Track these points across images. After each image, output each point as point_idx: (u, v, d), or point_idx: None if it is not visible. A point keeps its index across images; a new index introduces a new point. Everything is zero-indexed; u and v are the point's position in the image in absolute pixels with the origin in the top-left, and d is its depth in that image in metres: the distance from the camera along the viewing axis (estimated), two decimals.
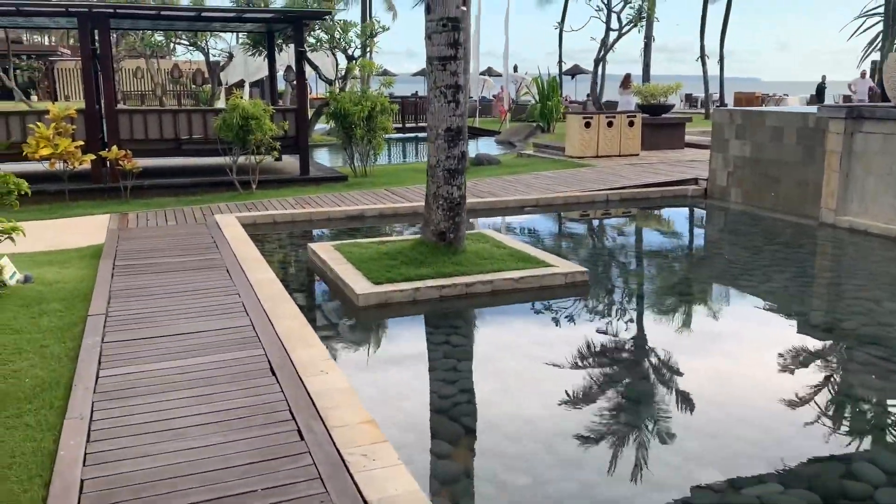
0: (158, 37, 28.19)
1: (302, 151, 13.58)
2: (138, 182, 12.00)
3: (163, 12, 12.36)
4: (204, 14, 12.77)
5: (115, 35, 37.10)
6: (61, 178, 11.38)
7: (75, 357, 4.83)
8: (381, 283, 6.40)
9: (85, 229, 9.84)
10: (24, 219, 10.66)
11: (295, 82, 28.09)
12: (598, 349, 5.67)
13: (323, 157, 20.48)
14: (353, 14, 51.05)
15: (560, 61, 34.35)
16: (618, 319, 6.45)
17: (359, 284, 6.41)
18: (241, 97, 12.16)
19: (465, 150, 7.13)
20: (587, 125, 16.18)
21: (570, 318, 6.41)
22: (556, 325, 6.23)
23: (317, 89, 42.94)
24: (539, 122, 23.09)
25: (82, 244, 8.89)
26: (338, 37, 18.25)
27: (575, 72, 42.11)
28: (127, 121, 12.60)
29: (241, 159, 12.52)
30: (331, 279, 7.02)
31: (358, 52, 20.41)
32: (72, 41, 47.84)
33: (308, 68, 27.05)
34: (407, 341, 6.03)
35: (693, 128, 20.67)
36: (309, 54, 19.90)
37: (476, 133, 28.44)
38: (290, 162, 14.91)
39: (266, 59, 21.60)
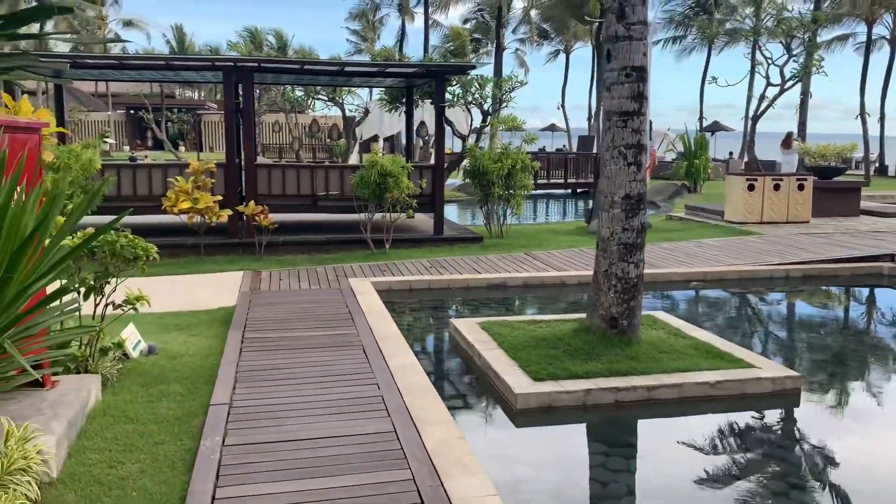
0: (298, 92, 29.06)
1: (437, 210, 12.87)
2: (273, 238, 11.65)
3: (306, 66, 12.16)
4: (347, 69, 12.49)
5: (257, 90, 39.08)
6: (198, 231, 11.18)
7: (191, 465, 4.04)
8: (542, 380, 5.32)
9: (217, 287, 9.43)
10: (159, 273, 10.46)
11: (426, 138, 27.95)
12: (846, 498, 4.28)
13: (451, 214, 19.82)
14: (485, 70, 51.40)
15: (700, 117, 32.58)
16: (863, 453, 5.00)
17: (515, 379, 5.35)
18: (379, 153, 11.64)
19: (645, 221, 6.00)
20: (751, 188, 14.57)
21: (793, 444, 5.03)
22: (780, 457, 4.86)
23: (450, 144, 43.14)
24: (685, 182, 21.51)
25: (213, 305, 8.41)
26: (474, 91, 17.74)
27: (714, 128, 40.00)
28: (265, 176, 12.37)
29: (377, 216, 11.95)
30: (480, 368, 6.01)
31: (493, 108, 19.89)
32: (218, 96, 50.80)
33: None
34: (582, 466, 4.78)
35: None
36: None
37: None
38: (423, 220, 14.25)
39: (401, 115, 21.59)
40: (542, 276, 9.56)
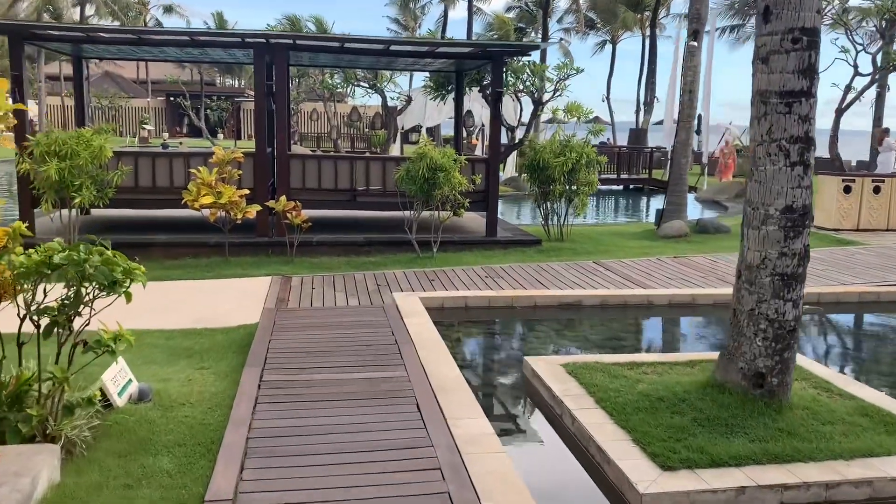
0: (337, 79, 27.73)
1: (491, 209, 11.35)
2: (306, 237, 10.26)
3: (346, 44, 10.71)
4: (393, 48, 11.02)
5: (294, 77, 37.93)
6: (222, 229, 9.83)
7: None
8: (672, 469, 3.77)
9: (241, 297, 8.07)
10: (178, 276, 9.12)
11: (470, 129, 26.27)
12: None
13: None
14: (529, 59, 49.52)
15: None
16: None
17: (634, 469, 3.81)
18: (429, 144, 10.16)
19: (807, 243, 4.42)
20: (847, 190, 12.76)
21: None
22: None
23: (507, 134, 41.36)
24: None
25: (232, 321, 7.04)
26: (525, 78, 16.14)
27: None
28: (299, 167, 10.97)
29: (423, 215, 10.48)
30: (574, 436, 4.47)
31: (547, 96, 18.28)
32: None
33: (485, 112, 25.29)
34: None
35: None
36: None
37: (653, 186, 25.32)
38: (473, 219, 12.73)
39: (445, 103, 20.06)
40: (625, 294, 7.97)
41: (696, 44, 12.45)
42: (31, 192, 9.43)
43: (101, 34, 9.81)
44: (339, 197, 11.17)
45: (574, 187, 11.59)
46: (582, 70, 17.68)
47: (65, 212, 9.26)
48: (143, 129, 52.64)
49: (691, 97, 12.58)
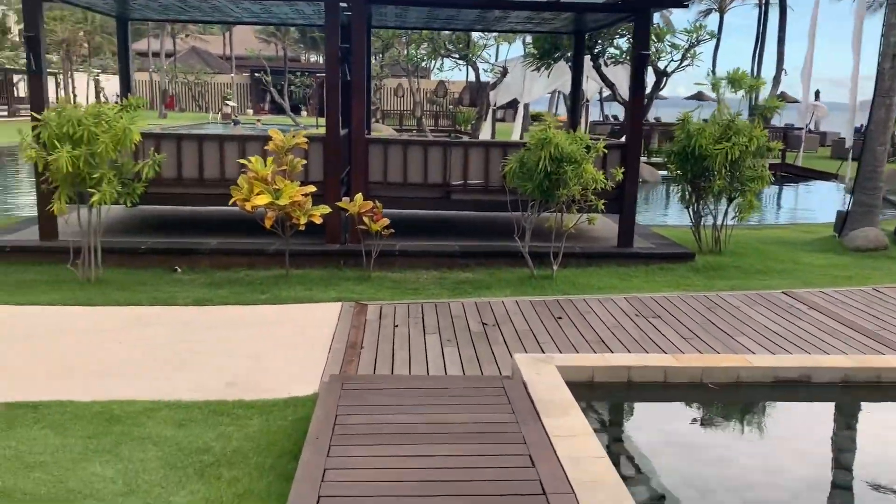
0: (423, 51, 25.32)
1: (626, 211, 8.70)
2: (388, 244, 7.93)
3: None
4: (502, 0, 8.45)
5: (378, 54, 35.62)
6: (281, 234, 7.59)
7: None
8: None
9: (298, 336, 5.84)
10: (223, 298, 6.90)
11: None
12: None
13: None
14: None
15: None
16: None
17: None
18: (553, 125, 7.56)
19: None
20: None
21: None
22: None
23: (601, 112, 38.05)
24: None
25: (280, 388, 4.81)
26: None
27: None
28: (380, 155, 8.60)
29: (540, 218, 7.95)
30: None
31: (673, 65, 15.32)
32: None
33: (591, 85, 22.30)
34: None
35: None
36: (603, 68, 15.18)
37: (787, 173, 21.82)
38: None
39: (549, 75, 17.31)
40: (876, 364, 5.13)
41: None
42: (46, 185, 7.41)
43: None
44: (428, 193, 8.77)
45: (738, 183, 8.76)
46: (715, 35, 14.65)
47: (84, 211, 7.20)
48: (227, 105, 51.83)
49: (894, 64, 9.48)
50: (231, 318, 6.34)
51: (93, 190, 6.87)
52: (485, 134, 21.47)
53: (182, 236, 8.57)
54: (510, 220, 8.00)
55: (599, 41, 14.58)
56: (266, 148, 7.56)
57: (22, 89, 46.55)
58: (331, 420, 3.88)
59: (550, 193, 7.53)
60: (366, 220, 7.64)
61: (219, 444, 4.04)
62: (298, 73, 54.62)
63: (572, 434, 3.73)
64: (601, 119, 34.94)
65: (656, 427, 4.72)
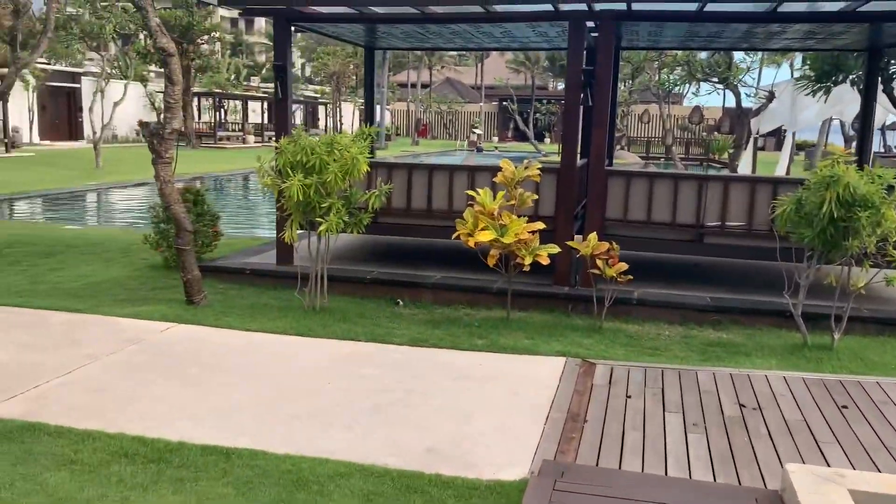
0: (675, 74, 23.62)
1: None
2: (624, 291, 6.95)
3: (711, 5, 7.04)
4: (783, 8, 7.04)
5: (626, 80, 34.23)
6: (502, 273, 6.93)
7: None
8: None
9: (511, 397, 5.12)
10: (437, 339, 6.37)
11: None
12: None
13: None
14: None
15: None
16: None
17: None
18: (843, 159, 6.04)
19: None
20: None
21: None
22: None
23: (882, 142, 33.21)
24: None
25: (483, 466, 4.09)
26: None
27: None
28: (620, 189, 7.63)
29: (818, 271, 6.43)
30: None
31: None
32: None
33: (878, 112, 19.18)
34: None
35: None
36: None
37: None
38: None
39: (826, 100, 15.01)
40: None
41: None
42: (281, 212, 7.51)
43: (374, 8, 7.51)
44: (676, 235, 7.59)
45: None
46: None
47: (313, 238, 7.16)
48: (473, 132, 53.58)
49: None
50: (443, 365, 5.77)
51: (320, 220, 6.76)
52: (744, 164, 19.32)
53: (407, 266, 8.30)
54: (777, 272, 6.59)
55: (894, 61, 12.24)
56: (494, 180, 6.97)
57: (297, 117, 52.05)
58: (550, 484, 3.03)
59: (836, 244, 6.03)
60: (599, 263, 6.72)
61: None
62: (545, 101, 54.89)
63: None
64: (882, 150, 30.32)
65: None
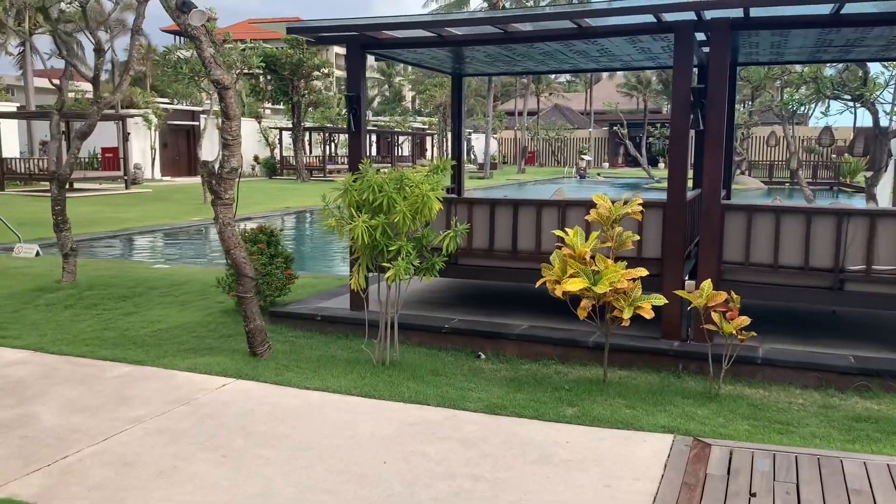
0: (800, 93, 21.66)
1: None
2: (747, 348, 5.81)
3: (846, 10, 5.85)
4: None
5: (745, 101, 31.99)
6: (598, 325, 5.94)
7: None
8: None
9: (604, 489, 4.11)
10: (517, 405, 5.40)
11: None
12: None
13: None
14: None
15: None
16: None
17: None
18: None
19: None
20: None
21: None
22: None
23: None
24: None
25: None
26: None
27: None
28: (741, 226, 6.46)
29: None
30: None
31: None
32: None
33: None
34: None
35: None
36: None
37: None
38: None
39: None
40: None
41: None
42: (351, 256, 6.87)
43: (453, 30, 6.80)
44: (809, 281, 6.33)
45: None
46: None
47: (382, 284, 6.45)
48: (582, 159, 52.20)
49: None
50: (520, 443, 4.85)
51: (388, 265, 6.05)
52: (884, 190, 17.19)
53: (491, 313, 7.43)
54: None
55: None
56: (587, 218, 6.03)
57: (404, 148, 52.49)
58: None
59: None
60: (715, 317, 5.61)
61: None
62: (658, 125, 52.78)
63: None
64: None
65: None
